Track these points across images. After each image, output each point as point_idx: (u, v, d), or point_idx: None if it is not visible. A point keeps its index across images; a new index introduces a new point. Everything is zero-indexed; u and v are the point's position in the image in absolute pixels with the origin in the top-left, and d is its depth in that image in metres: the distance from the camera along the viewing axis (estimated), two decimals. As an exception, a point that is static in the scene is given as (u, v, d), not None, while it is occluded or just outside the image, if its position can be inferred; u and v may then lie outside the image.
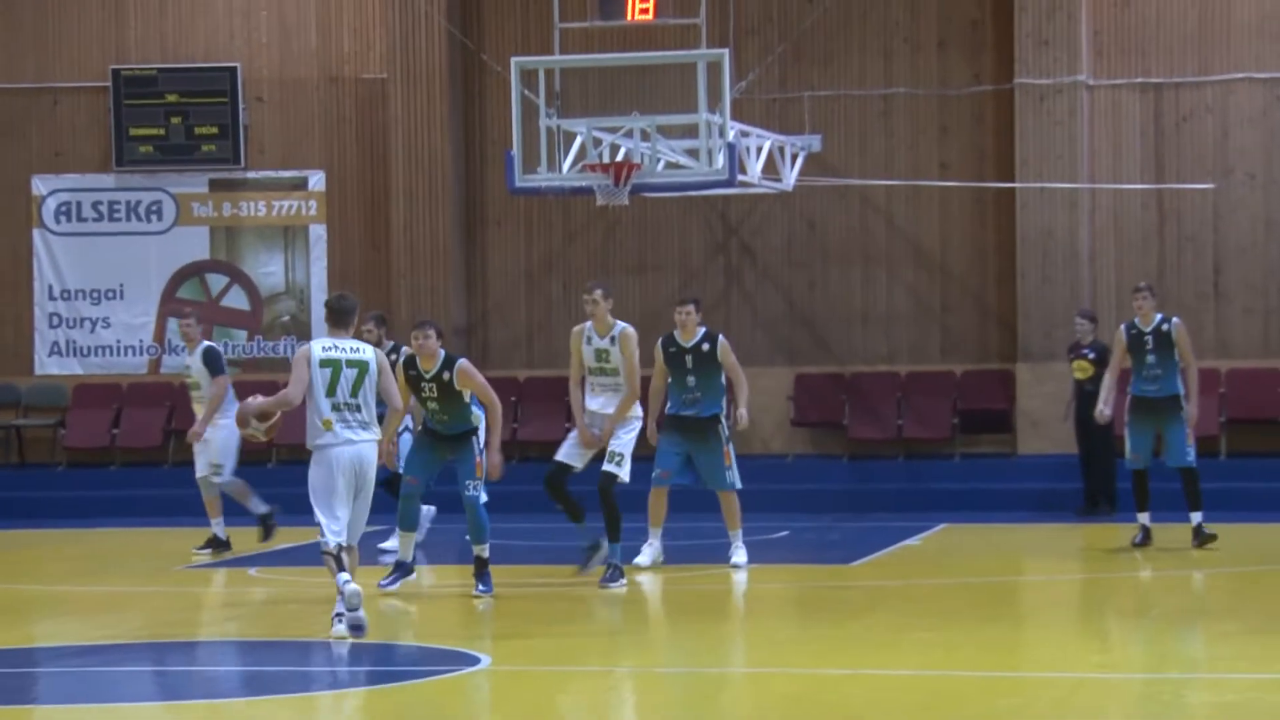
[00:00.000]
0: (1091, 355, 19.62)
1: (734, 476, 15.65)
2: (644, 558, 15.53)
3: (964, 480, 21.34)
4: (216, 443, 17.33)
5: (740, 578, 15.41)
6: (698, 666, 11.74)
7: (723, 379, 15.69)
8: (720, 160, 18.17)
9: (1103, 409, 17.18)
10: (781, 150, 20.62)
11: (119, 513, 21.45)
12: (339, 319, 12.88)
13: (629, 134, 18.40)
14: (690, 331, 15.65)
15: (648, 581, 15.28)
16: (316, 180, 23.20)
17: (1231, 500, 20.07)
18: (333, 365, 12.66)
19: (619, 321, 15.07)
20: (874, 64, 22.30)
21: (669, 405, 15.68)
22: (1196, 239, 21.71)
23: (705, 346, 15.58)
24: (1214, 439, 21.17)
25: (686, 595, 15.01)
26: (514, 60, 18.75)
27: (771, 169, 20.36)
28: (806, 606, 14.59)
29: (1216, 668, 11.36)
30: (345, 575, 12.44)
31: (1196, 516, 16.62)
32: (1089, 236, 21.74)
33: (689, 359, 15.57)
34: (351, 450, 12.59)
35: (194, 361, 17.43)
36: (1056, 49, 21.49)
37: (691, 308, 15.69)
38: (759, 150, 19.92)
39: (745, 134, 19.52)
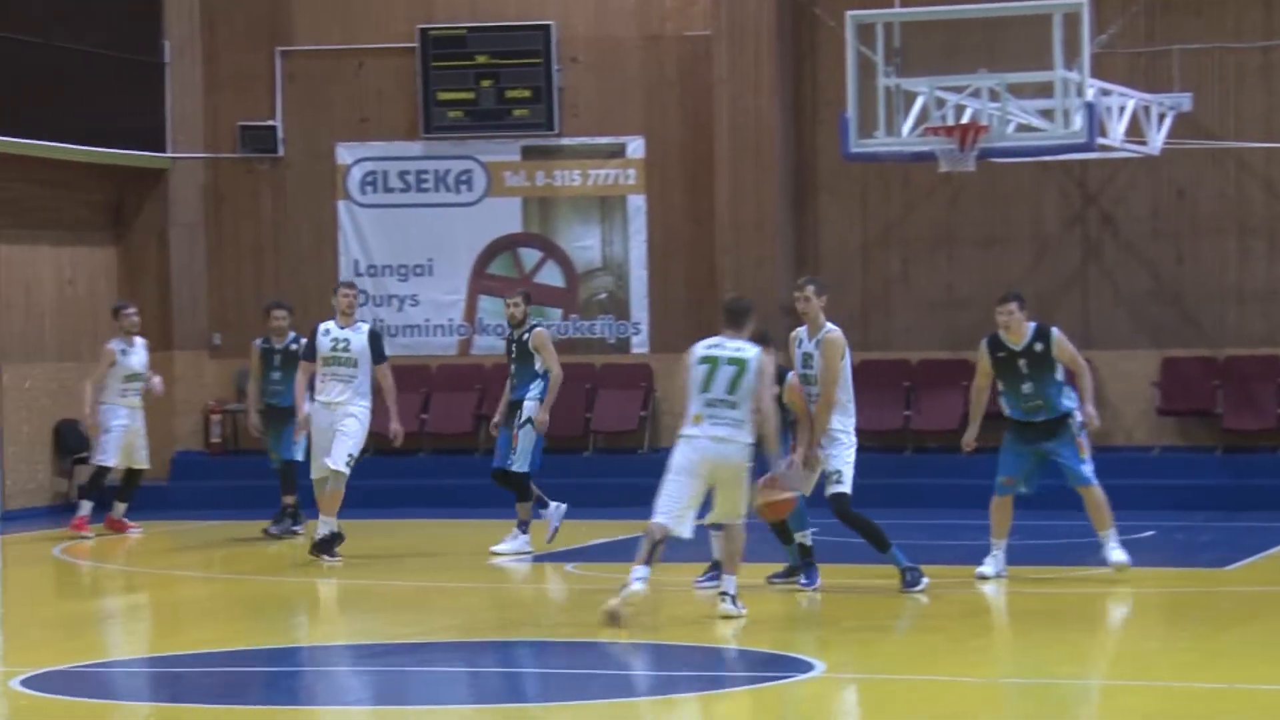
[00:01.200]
0: None
1: (1089, 470, 15.47)
2: (988, 568, 15.45)
3: (1354, 476, 20.87)
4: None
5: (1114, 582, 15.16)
6: (1053, 678, 11.70)
7: (1060, 373, 15.41)
8: (1078, 121, 18.02)
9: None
10: (1147, 110, 20.35)
11: (428, 502, 22.03)
12: (732, 319, 13.70)
13: (976, 93, 18.33)
14: (1018, 332, 15.41)
15: (993, 588, 15.23)
16: (635, 147, 23.50)
17: None
18: (711, 362, 13.49)
19: (829, 324, 14.77)
20: (1252, 12, 21.86)
21: (1008, 409, 15.46)
22: None
23: (1039, 347, 15.30)
24: None
25: (1041, 600, 14.94)
26: (849, 14, 18.80)
27: (1136, 131, 20.11)
28: (1175, 614, 14.43)
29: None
30: (641, 568, 13.10)
31: None
32: None
33: (1022, 363, 15.36)
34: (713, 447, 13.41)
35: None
36: None
37: (1014, 306, 15.31)
38: (1121, 110, 19.69)
39: (1106, 92, 19.31)
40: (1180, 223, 22.15)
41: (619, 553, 18.06)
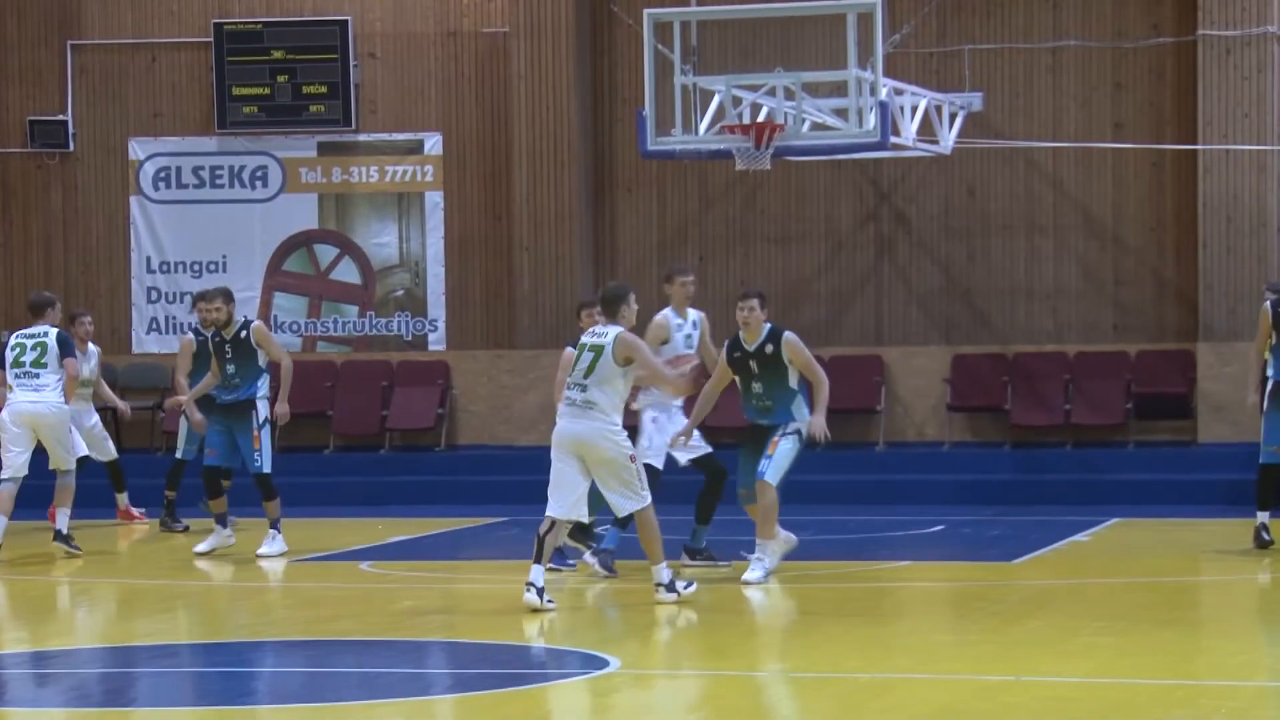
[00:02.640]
0: None
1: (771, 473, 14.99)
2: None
3: (1139, 471, 21.22)
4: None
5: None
6: (843, 671, 11.79)
7: (794, 379, 15.14)
8: (872, 120, 18.17)
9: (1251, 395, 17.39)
10: (939, 109, 20.58)
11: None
12: (605, 308, 14.12)
13: (771, 92, 18.43)
14: (755, 331, 15.25)
15: (779, 583, 15.34)
16: (433, 143, 23.40)
17: None
18: (580, 349, 13.94)
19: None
20: (1042, 13, 22.19)
21: (744, 410, 15.32)
22: (1399, 206, 21.43)
23: (769, 349, 15.17)
24: None
25: (831, 594, 15.06)
26: (647, 12, 18.82)
27: (928, 130, 20.32)
28: (964, 607, 14.60)
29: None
30: (535, 569, 13.55)
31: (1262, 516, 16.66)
32: (1278, 203, 21.52)
33: (753, 364, 15.21)
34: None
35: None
36: (1244, -4, 21.30)
37: (755, 303, 15.24)
38: (914, 109, 19.89)
39: (899, 92, 19.50)
40: (971, 221, 22.44)
41: (415, 551, 18.00)
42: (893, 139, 18.85)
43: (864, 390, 22.29)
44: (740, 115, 18.50)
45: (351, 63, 23.24)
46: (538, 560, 13.68)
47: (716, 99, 18.59)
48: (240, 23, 23.36)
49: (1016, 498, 20.86)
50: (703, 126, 18.60)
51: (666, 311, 15.76)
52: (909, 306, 22.54)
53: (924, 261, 22.54)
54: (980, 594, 15.12)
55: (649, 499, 13.93)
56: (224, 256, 23.55)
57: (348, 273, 23.55)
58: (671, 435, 15.40)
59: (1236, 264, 21.46)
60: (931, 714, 10.56)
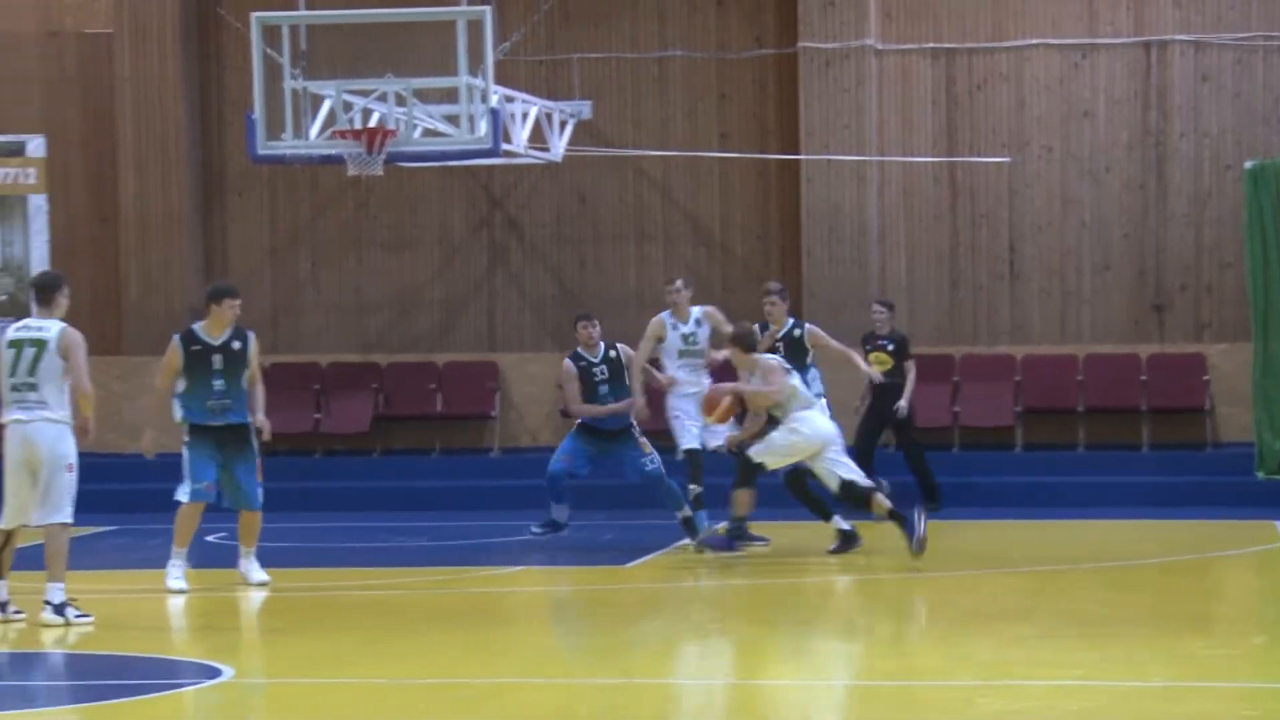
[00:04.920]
0: (890, 346, 20.05)
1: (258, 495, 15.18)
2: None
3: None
4: None
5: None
6: (461, 676, 11.79)
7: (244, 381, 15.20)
8: (483, 127, 18.21)
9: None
10: (549, 117, 20.71)
11: None
12: (39, 297, 13.73)
13: (383, 98, 18.35)
14: (220, 328, 15.17)
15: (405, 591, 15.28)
16: (35, 146, 22.82)
17: (1028, 495, 20.60)
18: (17, 346, 13.60)
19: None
20: (648, 24, 22.47)
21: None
22: (991, 216, 22.19)
23: (236, 345, 15.15)
24: (1009, 430, 21.67)
25: (448, 599, 15.06)
26: (254, 15, 18.60)
27: (539, 137, 20.44)
28: (579, 611, 14.69)
29: (1012, 674, 11.67)
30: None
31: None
32: (878, 213, 22.12)
33: (216, 359, 15.13)
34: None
35: None
36: (843, 10, 21.82)
37: (239, 302, 15.29)
38: (525, 117, 19.99)
39: (510, 99, 19.58)
40: (583, 228, 22.63)
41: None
42: (504, 146, 18.92)
43: (478, 396, 22.32)
44: (351, 120, 18.39)
45: (-51, 62, 22.56)
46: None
47: (327, 103, 18.45)
48: None
49: (625, 502, 21.05)
50: (314, 131, 18.44)
51: (664, 314, 17.84)
52: (522, 313, 22.64)
53: (537, 268, 22.67)
54: (597, 598, 15.24)
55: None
56: None
57: (-54, 278, 22.89)
58: (699, 419, 17.14)
59: (840, 271, 21.98)
60: (544, 716, 10.62)
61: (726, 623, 13.80)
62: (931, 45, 22.16)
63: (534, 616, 14.72)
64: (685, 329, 17.71)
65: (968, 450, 21.65)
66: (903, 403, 19.91)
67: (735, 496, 16.58)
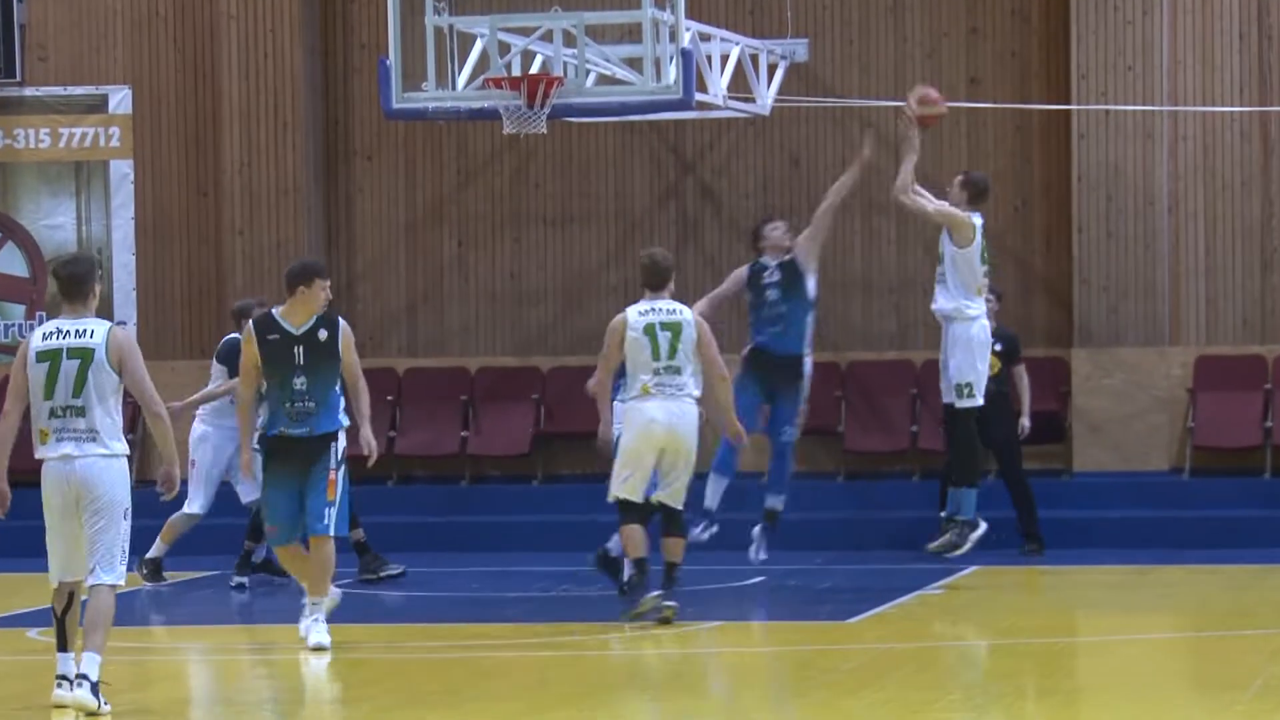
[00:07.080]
0: (998, 346, 19.21)
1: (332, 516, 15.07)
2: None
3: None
4: None
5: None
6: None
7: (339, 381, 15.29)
8: (672, 73, 18.29)
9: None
10: (755, 59, 20.76)
11: None
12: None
13: (547, 37, 18.50)
14: (306, 314, 15.27)
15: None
16: (120, 100, 23.22)
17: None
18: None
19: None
20: (879, -57, 22.49)
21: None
22: (1315, 180, 21.98)
23: (323, 334, 15.21)
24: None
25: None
26: (391, -64, 18.82)
27: (741, 85, 20.49)
28: (790, 676, 14.76)
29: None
30: None
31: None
32: (1169, 177, 21.95)
33: (299, 350, 15.18)
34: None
35: None
36: (1126, -75, 21.72)
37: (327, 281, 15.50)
38: (724, 59, 20.06)
39: (706, 37, 19.65)
40: (796, 197, 22.58)
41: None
42: (698, 96, 19.00)
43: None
44: (509, 66, 18.54)
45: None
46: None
47: (479, 45, 18.62)
48: (-128, -55, 23.05)
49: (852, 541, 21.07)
50: (461, 79, 18.62)
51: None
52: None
53: (739, 248, 22.67)
54: (810, 659, 15.29)
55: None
56: None
57: (10, 263, 23.33)
58: None
59: (1118, 250, 21.79)
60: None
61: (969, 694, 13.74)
62: (1239, -34, 21.99)
63: (724, 679, 14.75)
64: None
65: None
66: (1025, 420, 19.70)
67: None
